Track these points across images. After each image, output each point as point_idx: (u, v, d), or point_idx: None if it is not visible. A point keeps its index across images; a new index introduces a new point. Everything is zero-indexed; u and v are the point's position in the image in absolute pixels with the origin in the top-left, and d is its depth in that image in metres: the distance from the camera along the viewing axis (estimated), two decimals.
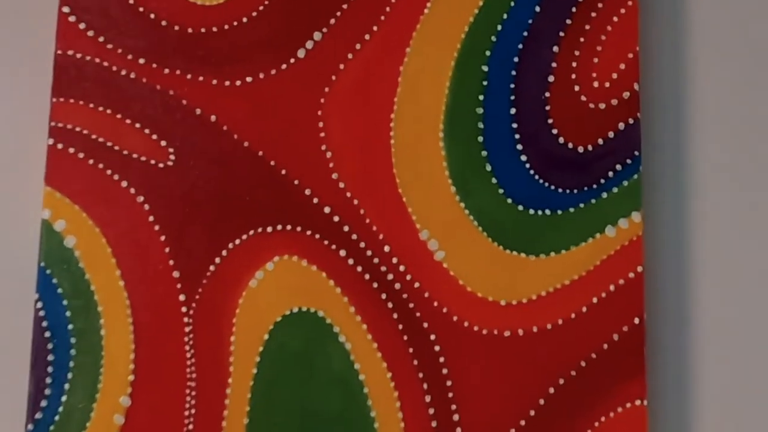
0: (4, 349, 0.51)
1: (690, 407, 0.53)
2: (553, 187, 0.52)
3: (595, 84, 0.54)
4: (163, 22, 0.53)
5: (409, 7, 0.54)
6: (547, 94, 0.53)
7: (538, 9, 0.54)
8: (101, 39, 0.52)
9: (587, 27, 0.54)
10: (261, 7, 0.53)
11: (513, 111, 0.53)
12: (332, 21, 0.53)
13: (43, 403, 0.49)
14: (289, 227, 0.51)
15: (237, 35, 0.53)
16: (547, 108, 0.53)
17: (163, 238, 0.51)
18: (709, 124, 0.56)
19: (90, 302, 0.50)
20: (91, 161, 0.51)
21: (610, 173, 0.53)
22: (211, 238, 0.51)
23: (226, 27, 0.53)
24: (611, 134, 0.53)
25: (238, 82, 0.52)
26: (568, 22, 0.54)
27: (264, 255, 0.51)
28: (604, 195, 0.52)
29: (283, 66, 0.53)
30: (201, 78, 0.52)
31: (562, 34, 0.54)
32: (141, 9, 0.53)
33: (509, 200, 0.52)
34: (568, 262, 0.52)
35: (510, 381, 0.51)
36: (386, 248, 0.52)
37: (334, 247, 0.51)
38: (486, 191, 0.52)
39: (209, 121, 0.52)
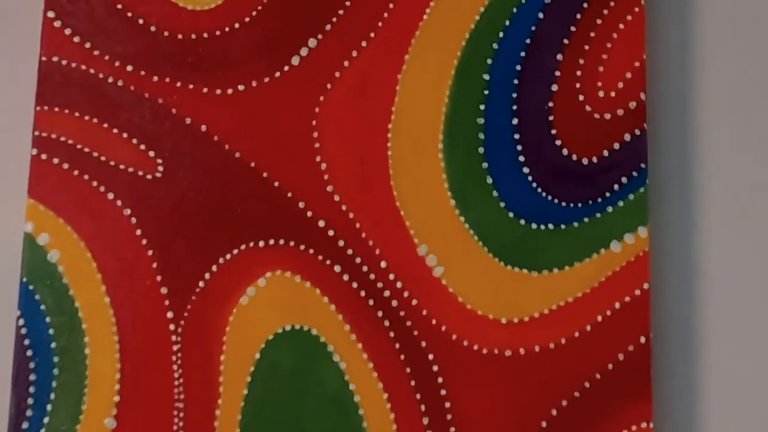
0: None
1: (698, 431, 0.51)
2: (556, 201, 0.51)
3: (601, 93, 0.52)
4: (152, 28, 0.51)
5: (408, 12, 0.52)
6: (551, 104, 0.52)
7: (541, 15, 0.52)
8: (88, 45, 0.50)
9: (592, 34, 0.52)
10: (254, 12, 0.51)
11: (515, 121, 0.51)
12: (328, 27, 0.51)
13: (25, 425, 0.47)
14: (282, 242, 0.50)
15: (229, 41, 0.51)
16: (551, 118, 0.52)
17: (150, 252, 0.49)
18: (719, 135, 0.54)
19: (74, 319, 0.48)
20: (76, 172, 0.49)
21: (616, 186, 0.51)
22: (201, 252, 0.49)
23: (218, 33, 0.51)
24: (617, 146, 0.51)
25: (229, 91, 0.51)
26: (573, 29, 0.52)
27: (256, 270, 0.49)
28: (609, 209, 0.51)
29: (277, 74, 0.51)
30: (191, 86, 0.50)
31: (566, 41, 0.52)
32: (129, 14, 0.51)
33: (511, 214, 0.51)
34: (572, 279, 0.50)
35: (511, 402, 0.49)
36: (383, 264, 0.50)
37: (328, 262, 0.50)
38: (487, 204, 0.51)
39: (199, 131, 0.50)
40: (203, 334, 0.49)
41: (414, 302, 0.50)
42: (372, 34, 0.52)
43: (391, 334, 0.49)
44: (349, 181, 0.50)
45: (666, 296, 0.53)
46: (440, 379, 0.49)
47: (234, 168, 0.50)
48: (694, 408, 0.52)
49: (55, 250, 0.49)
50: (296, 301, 0.49)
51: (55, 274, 0.48)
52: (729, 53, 0.55)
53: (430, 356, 0.49)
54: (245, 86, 0.51)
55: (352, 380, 0.49)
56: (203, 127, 0.50)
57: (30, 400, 0.47)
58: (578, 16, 0.53)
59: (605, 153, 0.51)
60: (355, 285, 0.50)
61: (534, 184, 0.51)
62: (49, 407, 0.47)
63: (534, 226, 0.51)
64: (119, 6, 0.51)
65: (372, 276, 0.50)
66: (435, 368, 0.49)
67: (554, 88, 0.52)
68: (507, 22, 0.52)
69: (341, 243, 0.50)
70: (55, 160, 0.49)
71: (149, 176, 0.50)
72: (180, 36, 0.51)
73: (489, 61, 0.52)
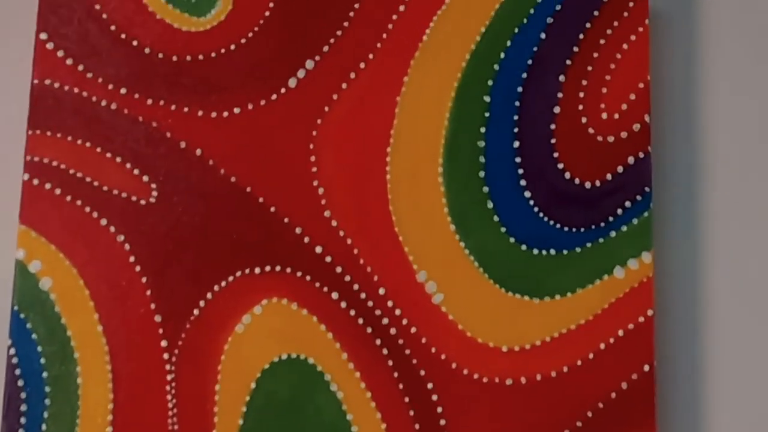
0: None
1: None
2: (558, 226, 0.50)
3: (604, 115, 0.51)
4: (147, 50, 0.50)
5: (407, 34, 0.51)
6: (553, 127, 0.51)
7: (543, 36, 0.51)
8: (81, 67, 0.49)
9: (596, 55, 0.51)
10: (250, 34, 0.50)
11: (516, 144, 0.50)
12: (326, 48, 0.51)
13: None
14: (278, 268, 0.49)
15: (224, 63, 0.50)
16: (553, 141, 0.51)
17: (144, 279, 0.48)
18: (725, 158, 0.53)
19: (66, 348, 0.47)
20: (68, 198, 0.48)
21: (619, 210, 0.50)
22: (196, 279, 0.48)
23: (213, 55, 0.50)
24: (620, 169, 0.50)
25: (225, 114, 0.50)
26: (576, 49, 0.51)
27: (251, 298, 0.48)
28: (613, 234, 0.50)
29: (273, 96, 0.50)
30: (186, 109, 0.50)
31: (569, 62, 0.51)
32: (123, 36, 0.50)
33: (512, 239, 0.50)
34: (574, 306, 0.49)
35: None
36: (381, 290, 0.49)
37: (325, 289, 0.49)
38: (487, 230, 0.50)
39: (194, 155, 0.49)
40: (198, 362, 0.48)
41: (413, 330, 0.49)
42: (370, 55, 0.51)
43: (390, 363, 0.48)
44: (346, 206, 0.49)
45: (670, 323, 0.52)
46: (439, 409, 0.48)
47: (229, 193, 0.49)
48: None
49: (47, 277, 0.48)
50: (293, 329, 0.48)
51: (46, 301, 0.48)
52: (735, 74, 0.54)
53: (429, 385, 0.48)
54: (241, 109, 0.50)
55: (349, 410, 0.48)
56: (198, 151, 0.49)
57: (21, 431, 0.46)
58: (581, 36, 0.52)
59: (608, 176, 0.50)
60: (352, 312, 0.49)
61: (536, 209, 0.50)
62: None
63: (536, 251, 0.50)
64: (113, 27, 0.50)
65: (370, 303, 0.49)
66: (434, 397, 0.48)
67: (557, 110, 0.51)
68: (508, 43, 0.51)
69: (339, 269, 0.49)
70: (48, 186, 0.48)
71: (143, 201, 0.49)
72: (175, 58, 0.50)
73: (490, 83, 0.51)
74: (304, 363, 0.48)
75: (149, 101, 0.49)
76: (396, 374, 0.48)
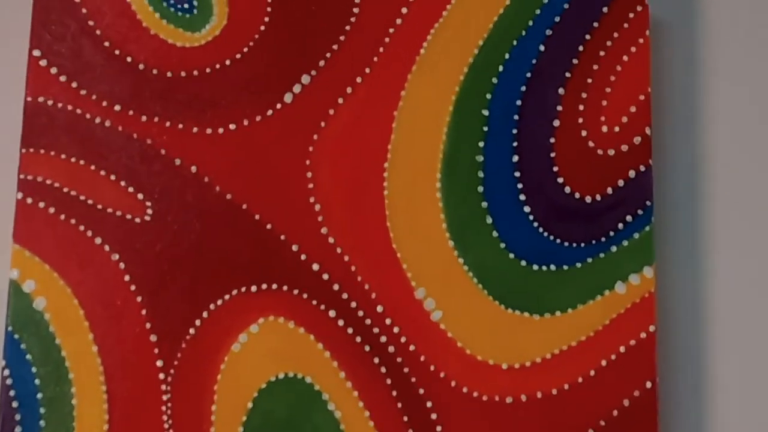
0: None
1: None
2: (558, 241, 0.49)
3: (604, 128, 0.50)
4: (141, 66, 0.49)
5: (404, 47, 0.50)
6: (552, 140, 0.50)
7: (542, 48, 0.51)
8: (74, 84, 0.49)
9: (595, 67, 0.51)
10: (245, 49, 0.50)
11: (515, 158, 0.50)
12: (321, 63, 0.50)
13: None
14: (274, 286, 0.48)
15: (219, 79, 0.50)
16: (552, 155, 0.50)
17: (139, 299, 0.47)
18: (727, 172, 0.53)
19: (61, 369, 0.47)
20: (62, 217, 0.48)
21: (620, 225, 0.49)
22: (191, 298, 0.48)
23: (208, 70, 0.50)
24: (621, 183, 0.50)
25: (220, 130, 0.49)
26: (575, 61, 0.51)
27: (248, 316, 0.48)
28: (614, 249, 0.49)
29: (269, 112, 0.49)
30: (181, 125, 0.49)
31: (568, 74, 0.51)
32: (117, 52, 0.49)
33: (511, 255, 0.49)
34: (575, 322, 0.49)
35: None
36: (379, 308, 0.48)
37: (323, 307, 0.48)
38: (486, 245, 0.49)
39: (189, 172, 0.49)
40: (194, 382, 0.47)
41: (411, 348, 0.48)
42: (367, 70, 0.50)
43: (388, 381, 0.48)
44: (344, 223, 0.49)
45: (673, 339, 0.51)
46: (439, 428, 0.47)
47: (225, 210, 0.49)
48: None
49: (41, 297, 0.47)
50: (290, 348, 0.48)
51: (41, 322, 0.47)
52: (737, 86, 0.53)
53: (428, 404, 0.48)
54: (236, 125, 0.49)
55: (347, 429, 0.47)
56: (193, 168, 0.49)
57: None
58: (581, 48, 0.51)
59: (609, 190, 0.50)
60: (350, 330, 0.48)
61: (535, 224, 0.49)
62: None
63: (535, 267, 0.49)
64: (107, 44, 0.49)
65: (368, 321, 0.48)
66: (433, 416, 0.47)
67: (556, 123, 0.50)
68: (507, 56, 0.51)
69: (336, 287, 0.48)
70: (41, 204, 0.48)
71: (138, 220, 0.48)
72: (169, 74, 0.49)
73: (488, 96, 0.50)
74: (302, 382, 0.47)
75: (143, 118, 0.49)
76: (394, 393, 0.48)
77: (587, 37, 0.51)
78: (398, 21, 0.51)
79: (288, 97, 0.50)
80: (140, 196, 0.48)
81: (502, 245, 0.49)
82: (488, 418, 0.47)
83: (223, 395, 0.47)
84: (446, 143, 0.50)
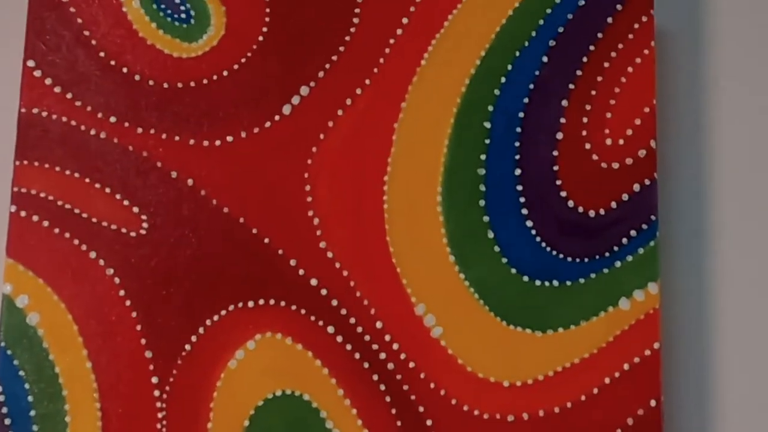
0: None
1: None
2: (561, 256, 0.48)
3: (608, 141, 0.49)
4: (137, 77, 0.49)
5: (405, 58, 0.50)
6: (556, 153, 0.49)
7: (545, 59, 0.50)
8: (69, 95, 0.48)
9: (599, 79, 0.50)
10: (243, 59, 0.49)
11: (518, 172, 0.49)
12: (321, 74, 0.49)
13: None
14: (272, 302, 0.47)
15: (217, 90, 0.49)
16: (556, 168, 0.49)
17: (134, 314, 0.47)
18: (733, 186, 0.52)
19: (54, 386, 0.46)
20: (57, 230, 0.47)
21: (624, 240, 0.49)
22: (187, 314, 0.47)
23: (205, 82, 0.49)
24: (625, 197, 0.49)
25: (217, 142, 0.48)
26: (579, 73, 0.50)
27: (244, 333, 0.47)
28: (618, 264, 0.48)
29: (267, 124, 0.49)
30: (177, 138, 0.48)
31: (572, 86, 0.50)
32: (113, 62, 0.49)
33: (513, 270, 0.48)
34: (578, 339, 0.48)
35: None
36: (378, 324, 0.47)
37: (321, 323, 0.47)
38: (488, 261, 0.48)
39: (186, 186, 0.48)
40: (189, 399, 0.46)
41: (411, 365, 0.47)
42: (367, 81, 0.49)
43: (387, 399, 0.47)
44: (343, 237, 0.48)
45: (678, 356, 0.50)
46: None
47: (222, 224, 0.48)
48: None
49: (34, 312, 0.46)
50: (287, 364, 0.47)
51: (34, 337, 0.46)
52: (743, 98, 0.53)
53: (429, 422, 0.47)
54: (234, 137, 0.48)
55: None
56: (190, 181, 0.48)
57: None
58: (584, 59, 0.50)
59: (613, 205, 0.49)
60: (349, 347, 0.47)
61: (538, 239, 0.49)
62: None
63: (538, 283, 0.48)
64: (102, 54, 0.49)
65: (367, 337, 0.47)
66: None
67: (559, 136, 0.49)
68: (509, 67, 0.50)
69: (335, 302, 0.48)
70: (35, 218, 0.47)
71: (133, 234, 0.47)
72: (165, 85, 0.49)
73: (490, 108, 0.49)
74: (299, 399, 0.47)
75: (139, 130, 0.48)
76: (394, 410, 0.47)
77: (591, 48, 0.50)
78: (399, 31, 0.50)
79: (287, 109, 0.49)
80: (136, 209, 0.48)
81: (504, 260, 0.48)
82: None
83: (219, 413, 0.46)
84: (447, 156, 0.49)
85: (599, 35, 0.50)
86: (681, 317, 0.51)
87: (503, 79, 0.50)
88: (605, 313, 0.48)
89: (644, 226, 0.49)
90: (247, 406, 0.47)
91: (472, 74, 0.50)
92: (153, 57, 0.49)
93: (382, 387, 0.47)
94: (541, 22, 0.50)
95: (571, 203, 0.49)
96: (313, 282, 0.48)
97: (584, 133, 0.50)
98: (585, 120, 0.50)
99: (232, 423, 0.46)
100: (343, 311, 0.48)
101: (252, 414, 0.46)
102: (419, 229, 0.48)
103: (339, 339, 0.47)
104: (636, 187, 0.49)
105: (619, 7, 0.51)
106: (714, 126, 0.53)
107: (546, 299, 0.48)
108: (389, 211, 0.48)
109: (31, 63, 0.48)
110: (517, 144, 0.49)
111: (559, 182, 0.49)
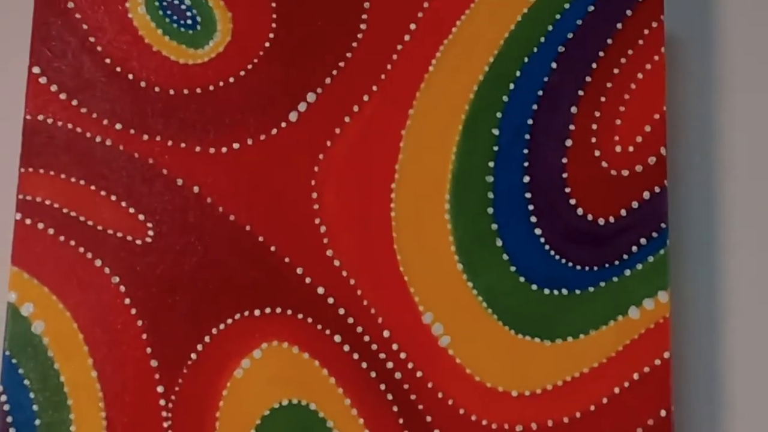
0: None
1: None
2: (570, 264, 0.48)
3: (618, 148, 0.49)
4: (142, 83, 0.48)
5: (413, 64, 0.49)
6: (565, 160, 0.49)
7: (554, 66, 0.50)
8: (74, 102, 0.48)
9: (609, 85, 0.50)
10: (250, 66, 0.49)
11: (526, 179, 0.49)
12: (327, 80, 0.49)
13: None
14: (278, 310, 0.47)
15: (223, 97, 0.48)
16: (565, 176, 0.49)
17: (140, 323, 0.46)
18: (745, 193, 0.51)
19: (59, 394, 0.46)
20: (62, 238, 0.47)
21: (634, 248, 0.48)
22: (193, 322, 0.47)
23: (211, 88, 0.49)
24: (635, 204, 0.49)
25: (223, 149, 0.48)
26: (588, 79, 0.50)
27: (251, 341, 0.47)
28: (628, 272, 0.48)
29: (273, 131, 0.48)
30: (183, 144, 0.48)
31: (581, 93, 0.49)
32: (118, 69, 0.48)
33: (522, 279, 0.48)
34: (588, 348, 0.47)
35: None
36: (386, 333, 0.47)
37: (328, 332, 0.47)
38: (496, 269, 0.48)
39: (192, 193, 0.48)
40: (195, 409, 0.46)
41: (419, 374, 0.47)
42: (374, 87, 0.49)
43: (395, 409, 0.47)
44: (350, 245, 0.48)
45: (688, 366, 0.50)
46: None
47: (228, 231, 0.47)
48: None
49: (39, 321, 0.46)
50: (294, 373, 0.47)
51: (39, 346, 0.46)
52: (755, 104, 0.52)
53: None
54: (240, 144, 0.48)
55: None
56: (196, 189, 0.48)
57: None
58: (594, 65, 0.50)
59: (623, 212, 0.48)
60: (356, 356, 0.47)
61: (547, 247, 0.48)
62: None
63: (547, 291, 0.48)
64: (108, 60, 0.48)
65: (374, 346, 0.47)
66: None
67: (568, 143, 0.49)
68: (518, 73, 0.49)
69: (341, 311, 0.47)
70: (40, 225, 0.47)
71: (139, 241, 0.47)
72: (171, 92, 0.48)
73: (498, 115, 0.49)
74: (306, 409, 0.46)
75: (145, 137, 0.48)
76: (401, 420, 0.46)
77: (601, 53, 0.50)
78: (407, 37, 0.50)
79: (293, 116, 0.49)
80: (141, 217, 0.47)
81: (513, 268, 0.48)
82: None
83: (225, 422, 0.46)
84: (455, 163, 0.49)
85: (609, 41, 0.50)
86: (691, 326, 0.50)
87: (512, 86, 0.49)
88: (615, 322, 0.48)
89: (654, 234, 0.48)
90: (254, 415, 0.46)
91: (480, 80, 0.49)
92: (159, 63, 0.49)
93: (390, 396, 0.47)
94: (551, 27, 0.50)
95: (580, 211, 0.49)
96: (320, 290, 0.47)
97: (594, 140, 0.49)
98: (594, 127, 0.49)
99: None
100: (350, 320, 0.47)
101: (258, 423, 0.46)
102: (427, 236, 0.48)
103: (346, 348, 0.47)
104: (646, 194, 0.49)
105: (629, 12, 0.50)
106: (725, 133, 0.52)
107: (555, 308, 0.48)
108: (396, 219, 0.48)
109: (36, 69, 0.48)
110: (525, 151, 0.49)
111: (568, 190, 0.49)
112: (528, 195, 0.49)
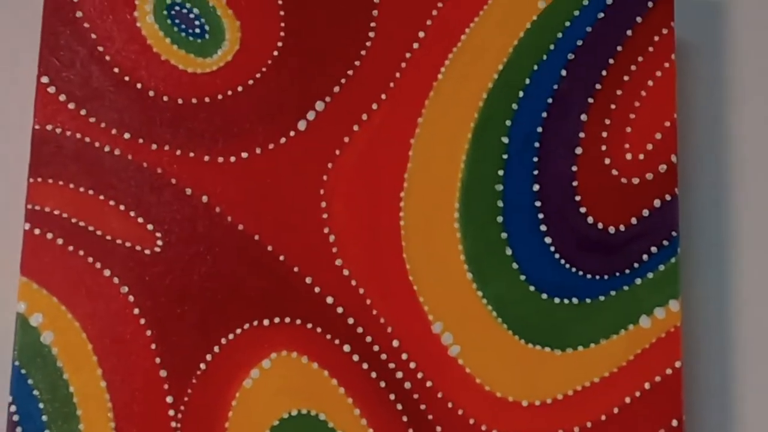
0: None
1: None
2: (581, 273, 0.48)
3: (628, 156, 0.49)
4: (151, 93, 0.48)
5: (421, 72, 0.49)
6: (575, 168, 0.49)
7: (564, 73, 0.49)
8: (83, 112, 0.48)
9: (619, 92, 0.49)
10: (258, 75, 0.49)
11: (536, 187, 0.48)
12: (336, 89, 0.49)
13: None
14: (287, 320, 0.47)
15: (231, 106, 0.48)
16: (575, 184, 0.48)
17: (149, 333, 0.46)
18: (756, 201, 0.51)
19: (68, 405, 0.46)
20: (71, 248, 0.47)
21: (645, 256, 0.48)
22: (202, 332, 0.46)
23: (220, 97, 0.48)
24: (646, 212, 0.48)
25: (232, 159, 0.48)
26: (598, 87, 0.49)
27: (260, 351, 0.46)
28: (638, 281, 0.48)
29: (282, 140, 0.48)
30: (192, 154, 0.48)
31: (591, 100, 0.49)
32: (127, 78, 0.48)
33: (532, 288, 0.48)
34: (598, 358, 0.47)
35: None
36: (395, 343, 0.47)
37: (337, 341, 0.47)
38: (506, 278, 0.48)
39: (201, 202, 0.47)
40: (205, 419, 0.46)
41: (428, 384, 0.47)
42: (383, 96, 0.49)
43: (404, 419, 0.46)
44: (359, 254, 0.47)
45: (700, 375, 0.50)
46: None
47: (237, 241, 0.47)
48: None
49: (48, 331, 0.46)
50: (303, 383, 0.46)
51: (48, 356, 0.46)
52: (766, 111, 0.52)
53: None
54: (249, 153, 0.48)
55: None
56: (204, 198, 0.48)
57: None
58: (604, 72, 0.49)
59: (633, 221, 0.48)
60: (365, 366, 0.47)
61: (557, 256, 0.48)
62: None
63: (557, 300, 0.47)
64: (116, 70, 0.48)
65: (383, 356, 0.47)
66: None
67: (578, 151, 0.49)
68: (527, 81, 0.49)
69: (351, 321, 0.47)
70: (49, 235, 0.47)
71: (147, 251, 0.47)
72: (180, 101, 0.48)
73: (508, 123, 0.49)
74: (315, 419, 0.46)
75: (154, 146, 0.48)
76: (411, 430, 0.46)
77: (611, 61, 0.50)
78: (415, 45, 0.49)
79: (302, 125, 0.48)
80: (150, 226, 0.47)
81: (522, 277, 0.48)
82: None
83: None
84: (464, 172, 0.48)
85: (619, 48, 0.50)
86: (703, 335, 0.50)
87: (521, 94, 0.49)
88: (625, 331, 0.47)
89: (665, 243, 0.48)
90: (263, 425, 0.46)
91: (489, 88, 0.49)
92: (167, 72, 0.49)
93: (399, 406, 0.46)
94: (560, 35, 0.50)
95: (590, 219, 0.48)
96: (329, 300, 0.47)
97: (604, 147, 0.49)
98: (604, 134, 0.49)
99: None
100: (360, 329, 0.47)
101: None
102: (436, 245, 0.48)
103: (355, 358, 0.47)
104: (657, 202, 0.48)
105: (639, 19, 0.50)
106: (736, 140, 0.52)
107: (565, 317, 0.47)
108: (406, 228, 0.48)
109: (45, 79, 0.48)
110: (535, 159, 0.49)
111: (578, 198, 0.48)
112: (538, 203, 0.48)
